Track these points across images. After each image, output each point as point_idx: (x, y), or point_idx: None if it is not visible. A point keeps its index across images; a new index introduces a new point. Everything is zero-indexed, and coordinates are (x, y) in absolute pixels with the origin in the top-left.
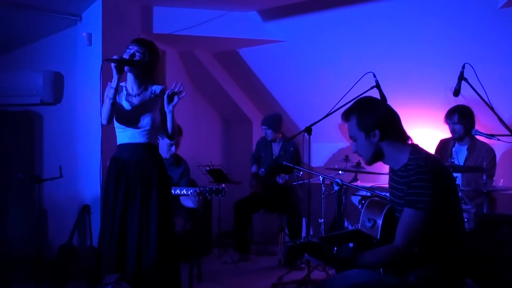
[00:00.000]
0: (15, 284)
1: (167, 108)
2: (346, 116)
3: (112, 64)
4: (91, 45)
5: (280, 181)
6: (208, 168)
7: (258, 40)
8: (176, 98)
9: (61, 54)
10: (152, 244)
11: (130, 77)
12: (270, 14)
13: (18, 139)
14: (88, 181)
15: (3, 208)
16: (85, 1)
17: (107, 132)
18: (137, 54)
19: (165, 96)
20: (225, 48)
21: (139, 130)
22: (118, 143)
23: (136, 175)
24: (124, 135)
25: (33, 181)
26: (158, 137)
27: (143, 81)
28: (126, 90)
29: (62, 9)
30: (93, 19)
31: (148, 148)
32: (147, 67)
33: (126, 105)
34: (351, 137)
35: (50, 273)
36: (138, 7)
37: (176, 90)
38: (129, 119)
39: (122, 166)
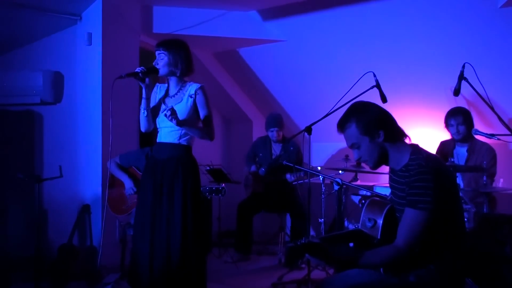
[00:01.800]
0: (15, 283)
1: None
2: (342, 125)
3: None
4: (91, 44)
5: (292, 178)
6: (208, 168)
7: (258, 39)
8: (173, 120)
9: (61, 53)
10: (177, 243)
11: (168, 79)
12: (270, 13)
13: (18, 139)
14: (88, 180)
15: (3, 208)
16: (85, 1)
17: (108, 132)
18: (159, 58)
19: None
20: (225, 47)
21: (171, 130)
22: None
23: (162, 173)
24: (159, 134)
25: (33, 181)
26: None
27: (179, 81)
28: (167, 91)
29: (62, 9)
30: (93, 19)
31: (178, 148)
32: (172, 67)
33: (163, 106)
34: (352, 146)
35: (50, 273)
36: (138, 6)
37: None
38: (162, 120)
39: (153, 164)
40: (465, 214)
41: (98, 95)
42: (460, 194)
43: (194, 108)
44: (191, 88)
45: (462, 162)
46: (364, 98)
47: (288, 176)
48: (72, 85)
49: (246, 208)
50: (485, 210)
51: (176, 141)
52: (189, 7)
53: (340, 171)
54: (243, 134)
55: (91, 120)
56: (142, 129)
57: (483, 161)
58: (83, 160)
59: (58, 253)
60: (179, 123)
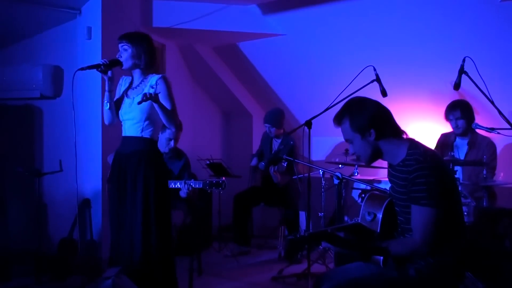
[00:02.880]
0: (16, 277)
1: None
2: (338, 120)
3: (98, 70)
4: (90, 38)
5: (274, 179)
6: (208, 162)
7: (258, 33)
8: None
9: (61, 48)
10: (137, 238)
11: (132, 72)
12: (270, 7)
13: (18, 133)
14: (88, 175)
15: (3, 202)
16: None
17: (108, 126)
18: (122, 50)
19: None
20: (225, 41)
21: (132, 123)
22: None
23: (125, 168)
24: (123, 127)
25: (33, 175)
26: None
27: (143, 73)
28: (131, 84)
29: (61, 3)
30: (92, 13)
31: (140, 142)
32: (136, 60)
33: (126, 99)
34: (346, 140)
35: (51, 267)
36: (137, 0)
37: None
38: (125, 112)
39: (118, 159)
40: (465, 208)
41: (98, 89)
42: (460, 188)
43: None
44: (153, 79)
45: (462, 155)
46: (364, 92)
47: (261, 164)
48: (72, 79)
49: (242, 199)
50: (484, 204)
51: (138, 134)
52: (188, 1)
53: (340, 165)
54: (243, 128)
55: (91, 114)
56: (106, 122)
57: (483, 155)
58: (83, 154)
59: (59, 247)
60: (153, 99)
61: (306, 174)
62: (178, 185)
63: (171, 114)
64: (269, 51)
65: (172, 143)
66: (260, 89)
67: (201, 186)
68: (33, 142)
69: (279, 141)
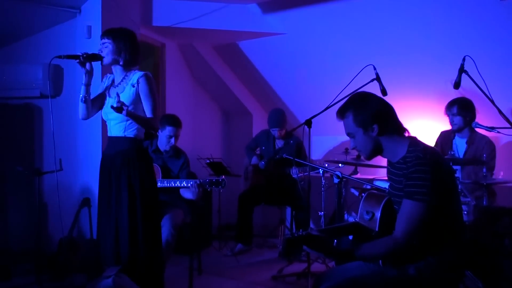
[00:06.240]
0: (16, 276)
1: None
2: (341, 113)
3: (76, 61)
4: (90, 37)
5: (296, 174)
6: (208, 161)
7: (258, 32)
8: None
9: (61, 46)
10: (124, 239)
11: (113, 68)
12: (270, 6)
13: (17, 132)
14: (88, 174)
15: (3, 201)
16: None
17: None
18: (104, 46)
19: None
20: (225, 40)
21: (115, 122)
22: None
23: (110, 169)
24: (108, 128)
25: (33, 174)
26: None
27: (124, 70)
28: (113, 82)
29: (61, 2)
30: (92, 12)
31: (124, 141)
32: (116, 55)
33: (109, 98)
34: (348, 134)
35: (51, 266)
36: None
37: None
38: (107, 112)
39: (104, 160)
40: (465, 207)
41: (97, 88)
42: (460, 187)
43: (137, 97)
44: (134, 76)
45: (461, 153)
46: (365, 90)
47: (293, 171)
48: (72, 79)
49: (247, 199)
50: (484, 203)
51: (121, 134)
52: (188, 0)
53: (340, 164)
54: (243, 127)
55: None
56: (80, 116)
57: (483, 153)
58: (83, 153)
59: (59, 246)
60: (126, 113)
61: (307, 173)
62: (183, 183)
63: (146, 122)
64: (269, 50)
65: (172, 140)
66: (260, 88)
67: None
68: (33, 141)
69: (282, 140)
